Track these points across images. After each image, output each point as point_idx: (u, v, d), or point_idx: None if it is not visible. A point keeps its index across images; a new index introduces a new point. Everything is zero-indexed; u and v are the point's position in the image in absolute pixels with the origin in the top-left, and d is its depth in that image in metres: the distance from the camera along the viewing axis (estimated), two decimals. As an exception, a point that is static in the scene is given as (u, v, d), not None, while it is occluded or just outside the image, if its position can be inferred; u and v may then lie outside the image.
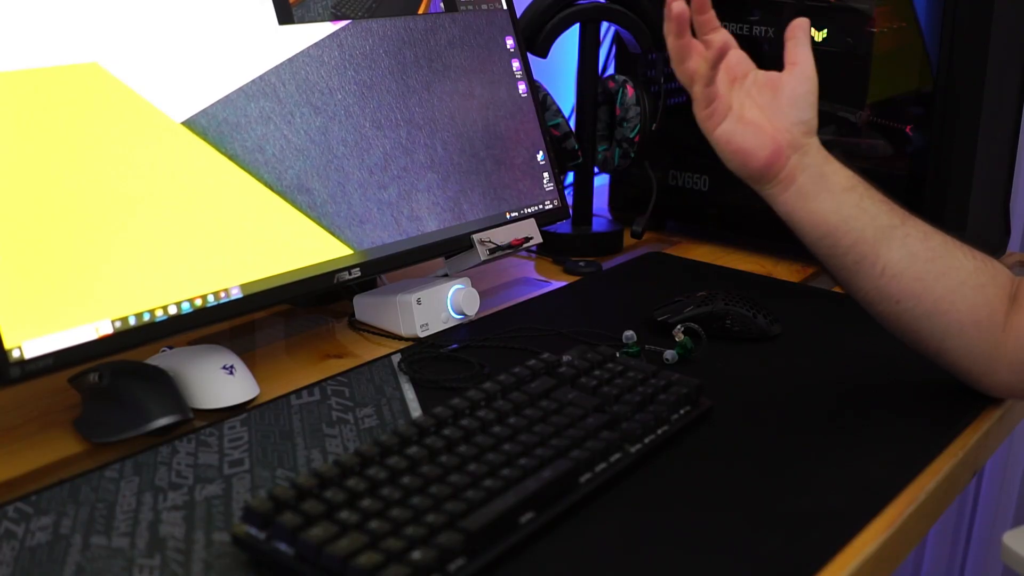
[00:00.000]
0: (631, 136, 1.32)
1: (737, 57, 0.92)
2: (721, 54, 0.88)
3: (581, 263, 1.27)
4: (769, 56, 1.32)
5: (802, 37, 0.91)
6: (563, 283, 1.23)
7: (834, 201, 0.88)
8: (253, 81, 0.93)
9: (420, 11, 1.09)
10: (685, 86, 0.91)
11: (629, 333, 1.01)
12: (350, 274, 0.98)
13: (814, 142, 0.90)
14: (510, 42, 1.18)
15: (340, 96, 1.00)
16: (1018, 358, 0.87)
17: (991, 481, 1.92)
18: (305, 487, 0.68)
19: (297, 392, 0.91)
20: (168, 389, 0.85)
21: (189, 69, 0.89)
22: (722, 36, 0.92)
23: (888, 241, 0.87)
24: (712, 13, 0.92)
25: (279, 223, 0.93)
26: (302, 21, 0.98)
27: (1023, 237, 1.75)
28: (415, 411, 0.88)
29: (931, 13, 1.20)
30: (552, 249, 1.30)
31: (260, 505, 0.66)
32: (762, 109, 0.90)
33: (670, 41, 0.90)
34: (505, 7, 1.18)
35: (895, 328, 0.90)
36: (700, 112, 0.90)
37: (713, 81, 0.88)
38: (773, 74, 0.91)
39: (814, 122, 0.91)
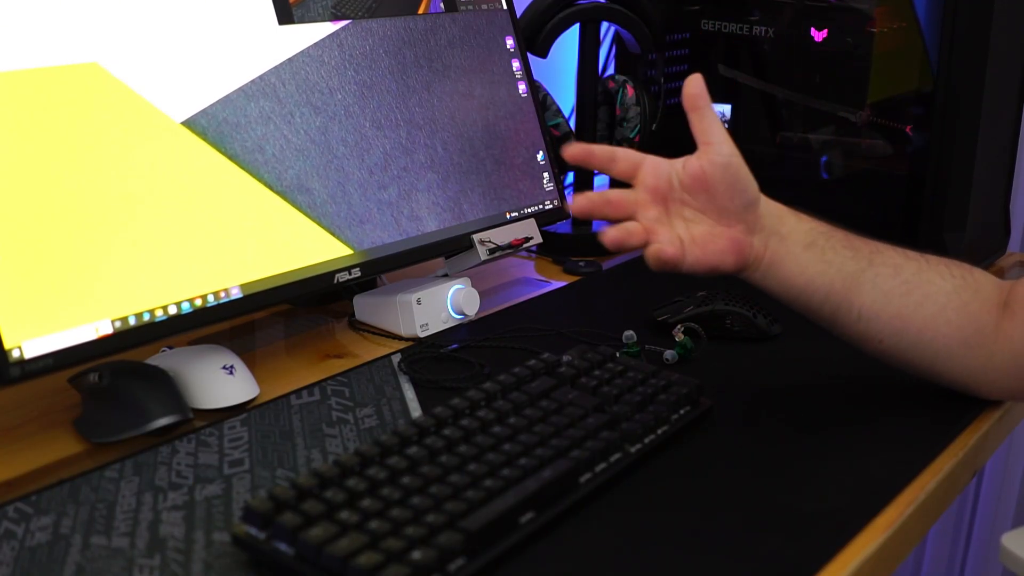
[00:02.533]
0: (631, 136, 1.32)
1: (650, 172, 0.87)
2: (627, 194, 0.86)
3: (581, 263, 1.27)
4: (769, 56, 1.33)
5: (703, 106, 0.85)
6: (563, 283, 1.23)
7: (797, 263, 0.86)
8: (253, 81, 0.93)
9: (420, 11, 1.09)
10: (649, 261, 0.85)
11: (629, 333, 1.01)
12: (350, 274, 0.98)
13: (763, 208, 0.86)
14: (510, 42, 1.18)
15: (340, 96, 1.00)
16: (1015, 363, 0.86)
17: (991, 481, 1.92)
18: (305, 487, 0.68)
19: (297, 392, 0.91)
20: (168, 389, 0.85)
21: (189, 69, 0.89)
22: (623, 164, 0.87)
23: (858, 287, 0.86)
24: (597, 152, 0.88)
25: (279, 223, 0.93)
26: (302, 21, 0.98)
27: (1023, 237, 1.75)
28: (415, 411, 0.88)
29: (931, 13, 1.20)
30: (552, 249, 1.30)
31: (260, 505, 0.66)
32: (705, 213, 0.86)
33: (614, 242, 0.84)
34: (505, 7, 1.18)
35: (886, 362, 0.90)
36: (664, 267, 0.84)
37: (655, 225, 0.84)
38: (695, 171, 0.85)
39: (756, 191, 0.86)
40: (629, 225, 0.84)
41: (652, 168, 0.87)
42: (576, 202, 0.85)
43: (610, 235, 0.84)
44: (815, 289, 0.86)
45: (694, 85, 0.85)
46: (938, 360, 0.87)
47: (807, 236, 0.87)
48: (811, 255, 0.86)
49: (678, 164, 0.87)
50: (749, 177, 0.86)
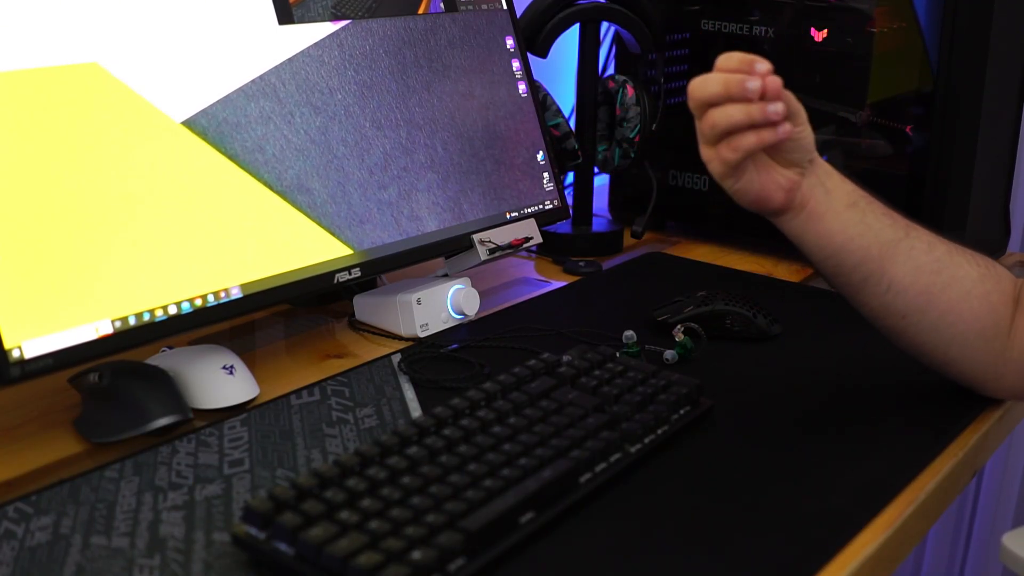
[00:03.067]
0: (631, 136, 1.32)
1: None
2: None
3: (581, 263, 1.27)
4: (769, 56, 1.32)
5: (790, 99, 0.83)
6: (563, 283, 1.23)
7: (838, 220, 0.86)
8: (253, 81, 0.93)
9: (420, 11, 1.09)
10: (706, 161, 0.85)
11: (629, 333, 1.01)
12: (350, 274, 0.98)
13: (816, 159, 0.87)
14: (510, 42, 1.18)
15: (340, 96, 1.00)
16: (1022, 365, 0.87)
17: (991, 481, 1.92)
18: (305, 487, 0.68)
19: (297, 392, 0.91)
20: (168, 389, 0.85)
21: (189, 69, 0.89)
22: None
23: (893, 256, 0.86)
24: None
25: (279, 223, 0.93)
26: (302, 21, 0.98)
27: (1023, 237, 1.75)
28: (415, 411, 0.88)
29: (931, 13, 1.20)
30: (552, 249, 1.30)
31: (260, 505, 0.66)
32: (770, 152, 0.85)
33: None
34: (505, 7, 1.18)
35: (901, 341, 0.89)
36: (721, 177, 0.85)
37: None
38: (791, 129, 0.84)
39: (811, 139, 0.86)
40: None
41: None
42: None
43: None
44: (852, 250, 0.85)
45: (778, 85, 0.82)
46: (953, 346, 0.87)
47: (850, 196, 0.86)
48: (852, 215, 0.86)
49: None
50: (810, 135, 0.85)
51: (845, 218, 0.86)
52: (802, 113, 0.85)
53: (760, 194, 0.85)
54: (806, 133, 0.84)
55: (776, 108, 0.80)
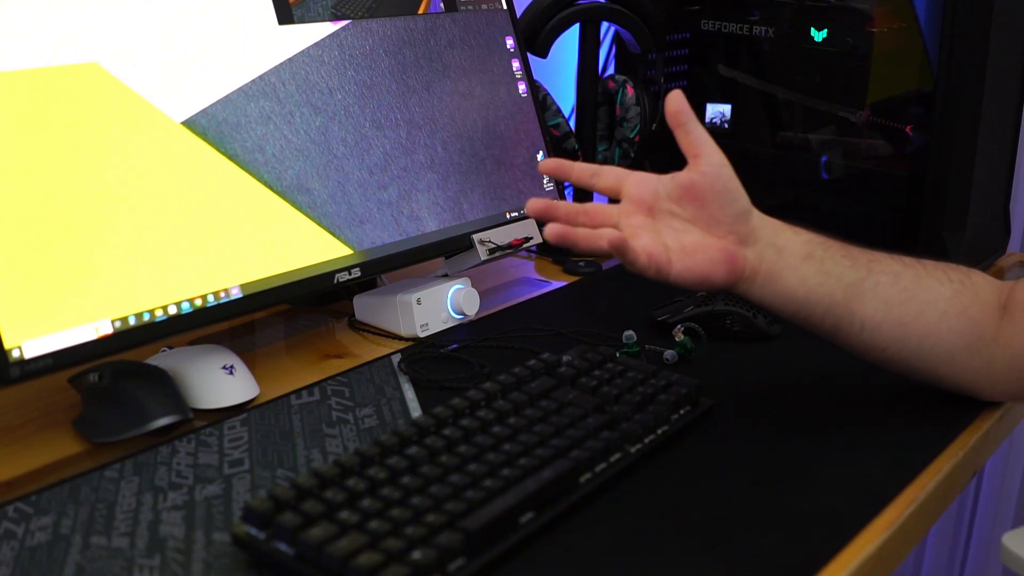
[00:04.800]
0: (631, 136, 1.32)
1: (634, 185, 0.85)
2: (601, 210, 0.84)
3: (581, 263, 1.27)
4: (769, 56, 1.33)
5: (687, 121, 0.83)
6: (563, 283, 1.23)
7: (796, 275, 0.84)
8: (253, 81, 0.93)
9: (420, 11, 1.09)
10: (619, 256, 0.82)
11: (629, 333, 1.01)
12: (350, 274, 0.98)
13: (757, 222, 0.85)
14: (510, 42, 1.18)
15: (340, 96, 1.00)
16: (1015, 366, 0.86)
17: (991, 481, 1.92)
18: (305, 487, 0.68)
19: (297, 392, 0.91)
20: (168, 389, 0.85)
21: (189, 69, 0.89)
22: (606, 179, 0.86)
23: (860, 297, 0.85)
24: (577, 169, 0.87)
25: (279, 223, 0.93)
26: (302, 21, 0.98)
27: (1023, 237, 1.75)
28: (415, 411, 0.88)
29: (931, 13, 1.20)
30: (552, 249, 1.30)
31: (260, 505, 0.66)
32: (694, 223, 0.84)
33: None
34: (505, 7, 1.18)
35: (890, 369, 0.89)
36: (647, 272, 0.81)
37: (628, 236, 0.82)
38: (686, 180, 0.84)
39: (747, 203, 0.84)
40: (603, 229, 0.82)
41: (638, 180, 0.86)
42: (549, 230, 0.81)
43: (555, 231, 0.81)
44: (817, 301, 0.85)
45: (675, 102, 0.83)
46: (941, 365, 0.87)
47: (804, 248, 0.85)
48: (810, 266, 0.85)
49: (665, 177, 0.85)
50: (739, 187, 0.84)
51: (803, 271, 0.84)
52: (704, 157, 0.83)
53: (701, 274, 0.83)
54: (721, 186, 0.83)
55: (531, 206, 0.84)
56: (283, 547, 0.65)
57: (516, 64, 1.18)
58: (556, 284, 1.23)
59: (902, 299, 0.85)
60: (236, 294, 0.89)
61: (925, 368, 0.88)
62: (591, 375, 0.86)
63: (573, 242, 0.82)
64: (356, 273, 0.98)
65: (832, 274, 0.85)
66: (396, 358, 0.98)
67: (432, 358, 0.99)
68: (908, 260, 0.88)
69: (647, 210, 0.85)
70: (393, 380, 0.94)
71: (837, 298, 0.85)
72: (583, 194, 1.36)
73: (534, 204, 0.85)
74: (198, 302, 0.87)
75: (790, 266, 0.84)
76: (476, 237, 1.08)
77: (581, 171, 0.88)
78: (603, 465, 0.76)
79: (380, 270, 1.01)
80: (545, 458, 0.73)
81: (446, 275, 1.10)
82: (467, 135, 1.11)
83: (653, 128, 1.33)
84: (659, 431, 0.82)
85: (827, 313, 0.85)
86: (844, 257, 0.86)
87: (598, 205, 0.86)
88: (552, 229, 0.82)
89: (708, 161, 0.83)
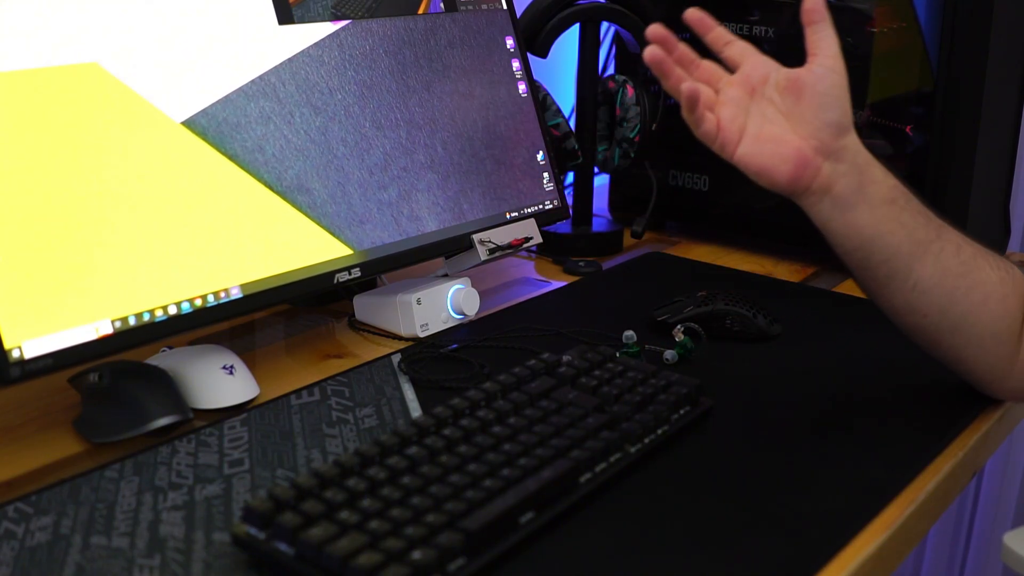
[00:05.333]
0: (631, 136, 1.32)
1: (753, 64, 0.85)
2: (710, 77, 0.84)
3: (581, 263, 1.27)
4: (769, 56, 1.32)
5: (819, 20, 0.83)
6: (563, 283, 1.23)
7: (872, 214, 0.83)
8: (253, 81, 0.93)
9: (420, 11, 1.09)
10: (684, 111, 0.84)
11: (629, 333, 1.01)
12: (350, 274, 0.98)
13: (851, 144, 0.84)
14: (510, 42, 1.18)
15: (340, 96, 1.00)
16: None
17: (991, 481, 1.92)
18: (305, 487, 0.68)
19: (297, 392, 0.91)
20: (168, 389, 0.85)
21: (189, 69, 0.89)
22: (736, 49, 0.86)
23: (923, 256, 0.84)
24: (719, 30, 0.87)
25: (279, 223, 0.93)
26: (302, 21, 0.98)
27: (1023, 237, 1.75)
28: (415, 411, 0.88)
29: (931, 13, 1.20)
30: (552, 249, 1.30)
31: (260, 505, 0.66)
32: (787, 116, 0.83)
33: (652, 65, 0.83)
34: (505, 7, 1.18)
35: (917, 338, 0.89)
36: (711, 142, 0.83)
37: (716, 104, 0.83)
38: (795, 73, 0.84)
39: (846, 119, 0.83)
40: (700, 85, 0.82)
41: (758, 61, 0.86)
42: (650, 52, 0.81)
43: (654, 54, 0.82)
44: (883, 246, 0.84)
45: (816, 3, 0.83)
46: (969, 347, 0.87)
47: (891, 192, 0.84)
48: (889, 211, 0.84)
49: (782, 68, 0.85)
50: (843, 100, 0.83)
51: (879, 213, 0.84)
52: (820, 65, 0.83)
53: (763, 165, 0.83)
54: (823, 89, 0.83)
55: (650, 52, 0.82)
56: (283, 547, 0.65)
57: (516, 64, 1.18)
58: (556, 284, 1.23)
59: (959, 271, 0.85)
60: (236, 294, 0.89)
61: (953, 345, 0.88)
62: (591, 375, 0.86)
63: (665, 72, 0.83)
64: (356, 273, 0.98)
65: (907, 225, 0.84)
66: (396, 358, 0.98)
67: (432, 358, 0.99)
68: (968, 236, 0.88)
69: (750, 89, 0.84)
70: (393, 380, 0.94)
71: (903, 250, 0.84)
72: (584, 195, 1.37)
73: (656, 29, 0.84)
74: (198, 302, 0.87)
75: (869, 202, 0.83)
76: (476, 237, 1.08)
77: (716, 35, 0.87)
78: (603, 465, 0.76)
79: (380, 270, 1.01)
80: (545, 458, 0.73)
81: (446, 275, 1.10)
82: (467, 135, 1.11)
83: (653, 128, 1.33)
84: (659, 431, 0.82)
85: (887, 261, 0.85)
86: (920, 214, 0.85)
87: (709, 63, 0.85)
88: (652, 52, 0.82)
89: (821, 62, 0.83)
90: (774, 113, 0.84)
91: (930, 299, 0.86)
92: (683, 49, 0.85)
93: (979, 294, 0.86)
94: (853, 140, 0.84)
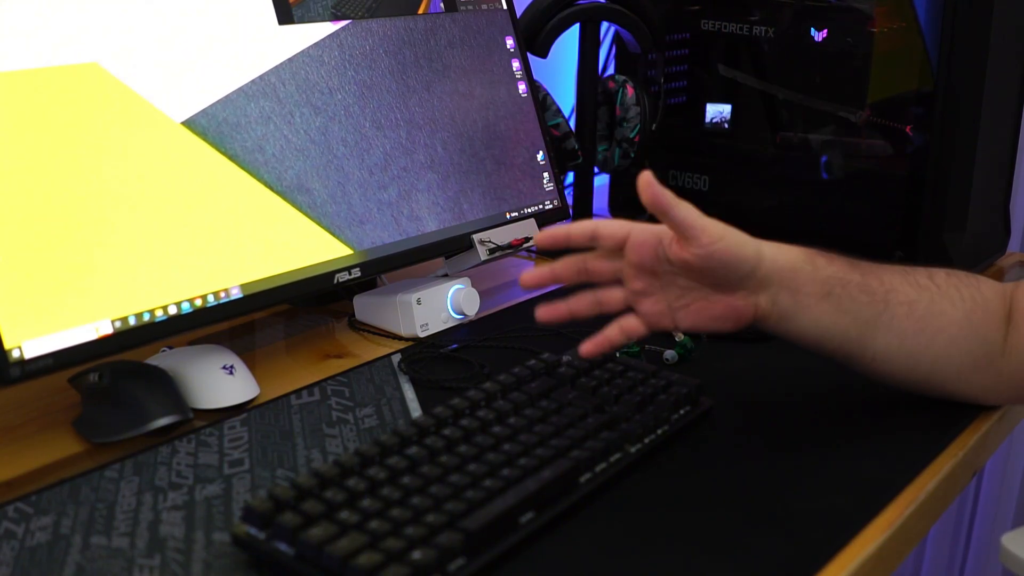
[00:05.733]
0: (631, 136, 1.32)
1: (637, 252, 0.81)
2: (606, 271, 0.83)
3: (581, 263, 1.27)
4: (769, 56, 1.33)
5: (668, 203, 0.77)
6: (563, 283, 1.22)
7: (810, 316, 0.83)
8: (253, 81, 0.93)
9: (420, 11, 1.09)
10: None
11: (629, 333, 1.00)
12: (350, 274, 0.98)
13: (767, 268, 0.81)
14: (510, 42, 1.18)
15: (340, 96, 1.00)
16: (1020, 377, 0.87)
17: (991, 481, 1.92)
18: (305, 487, 0.68)
19: (297, 392, 0.91)
20: (168, 389, 0.85)
21: (189, 69, 0.89)
22: (607, 240, 0.82)
23: (873, 333, 0.84)
24: (575, 236, 0.83)
25: (279, 223, 0.93)
26: (302, 21, 0.98)
27: (1023, 237, 1.75)
28: (415, 411, 0.88)
29: (931, 13, 1.19)
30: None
31: (260, 505, 0.66)
32: (700, 285, 0.81)
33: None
34: (505, 7, 1.18)
35: (900, 388, 0.90)
36: (652, 330, 0.82)
37: (631, 302, 0.82)
38: (681, 260, 0.79)
39: (754, 254, 0.81)
40: (608, 327, 0.82)
41: (638, 244, 0.81)
42: (541, 311, 0.82)
43: (546, 312, 0.82)
44: (830, 339, 0.85)
45: (647, 190, 0.76)
46: (948, 383, 0.88)
47: (824, 287, 0.83)
48: (827, 306, 0.83)
49: (666, 239, 0.80)
50: (741, 248, 0.80)
51: (818, 312, 0.83)
52: (697, 233, 0.78)
53: (706, 329, 0.83)
54: (718, 259, 0.79)
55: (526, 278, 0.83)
56: (283, 547, 0.65)
57: (516, 64, 1.18)
58: (556, 284, 1.22)
59: (915, 330, 0.85)
60: (236, 294, 0.89)
61: (933, 386, 0.89)
62: (591, 375, 0.86)
63: (571, 319, 0.83)
64: (356, 273, 0.98)
65: (849, 312, 0.84)
66: (396, 358, 0.98)
67: (432, 358, 0.99)
68: (923, 281, 0.86)
69: (650, 273, 0.82)
70: (393, 380, 0.94)
71: (851, 335, 0.85)
72: (584, 195, 1.37)
73: (542, 239, 0.85)
74: (198, 302, 0.87)
75: (805, 307, 0.83)
76: (476, 237, 1.08)
77: (579, 234, 0.83)
78: (603, 465, 0.76)
79: (380, 270, 1.01)
80: (545, 458, 0.73)
81: (446, 275, 1.10)
82: (467, 135, 1.11)
83: (653, 128, 1.33)
84: (659, 431, 0.82)
85: (840, 348, 0.85)
86: (862, 292, 0.84)
87: (600, 265, 0.83)
88: (544, 311, 0.83)
89: (700, 243, 0.78)
90: (687, 283, 0.82)
91: (894, 365, 0.86)
92: (576, 238, 0.83)
93: (943, 340, 0.85)
94: (768, 262, 0.81)
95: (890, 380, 0.89)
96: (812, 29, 1.27)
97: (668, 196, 0.77)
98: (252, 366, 0.93)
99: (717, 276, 0.80)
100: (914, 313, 0.85)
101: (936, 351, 0.86)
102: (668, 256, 0.80)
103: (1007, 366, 0.87)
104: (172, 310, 0.85)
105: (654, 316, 0.82)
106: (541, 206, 1.17)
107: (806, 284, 0.83)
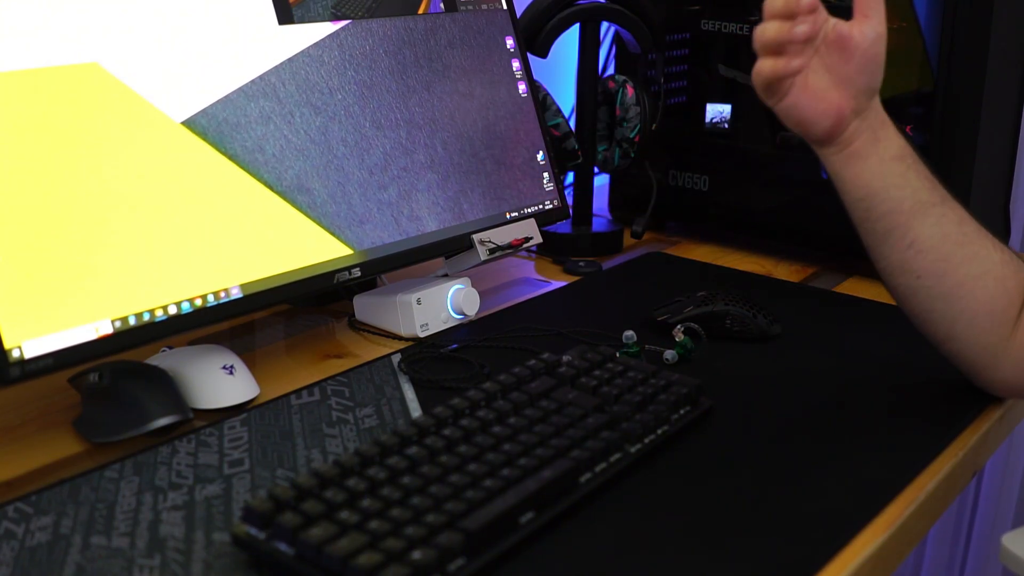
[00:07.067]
0: (631, 136, 1.32)
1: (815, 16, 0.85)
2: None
3: (581, 263, 1.27)
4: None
5: None
6: (563, 283, 1.23)
7: (881, 167, 0.86)
8: (253, 81, 0.93)
9: (420, 11, 1.09)
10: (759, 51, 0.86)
11: (629, 333, 1.01)
12: (350, 274, 0.98)
13: (875, 102, 0.87)
14: (510, 42, 1.18)
15: (340, 96, 1.00)
16: (1022, 359, 0.87)
17: (991, 481, 1.92)
18: (305, 487, 0.68)
19: (297, 392, 0.91)
20: (168, 389, 0.85)
21: (189, 69, 0.89)
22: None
23: (923, 216, 0.86)
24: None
25: (279, 223, 0.93)
26: (302, 21, 0.98)
27: (1023, 237, 1.75)
28: (415, 411, 0.88)
29: (931, 13, 1.20)
30: (552, 249, 1.30)
31: (260, 505, 0.66)
32: (829, 71, 0.85)
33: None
34: (505, 7, 1.18)
35: (909, 305, 0.90)
36: (761, 89, 0.86)
37: (790, 54, 0.84)
38: (843, 30, 0.84)
39: (879, 84, 0.86)
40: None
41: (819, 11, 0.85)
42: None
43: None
44: (884, 199, 0.86)
45: None
46: (959, 322, 0.88)
47: (899, 150, 0.87)
48: (895, 167, 0.86)
49: (831, 19, 0.85)
50: (882, 68, 0.85)
51: (887, 167, 0.86)
52: (867, 31, 0.83)
53: (804, 116, 0.85)
54: (871, 54, 0.83)
55: (801, 29, 0.83)
56: (283, 547, 0.65)
57: (516, 64, 1.18)
58: (556, 284, 1.23)
59: (958, 240, 0.87)
60: (236, 294, 0.89)
61: (945, 317, 0.88)
62: (591, 375, 0.86)
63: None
64: (356, 273, 0.98)
65: (911, 184, 0.86)
66: (396, 358, 0.98)
67: (432, 358, 0.99)
68: (974, 220, 0.89)
69: (814, 33, 0.85)
70: (393, 380, 0.94)
71: (904, 207, 0.86)
72: (584, 195, 1.37)
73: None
74: (198, 302, 0.87)
75: (879, 156, 0.86)
76: (476, 237, 1.08)
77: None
78: (603, 465, 0.76)
79: (380, 270, 1.01)
80: (545, 458, 0.73)
81: (446, 275, 1.10)
82: (467, 135, 1.11)
83: (653, 128, 1.33)
84: (659, 431, 0.82)
85: (887, 215, 0.86)
86: (927, 179, 0.87)
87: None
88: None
89: (872, 26, 0.84)
90: (819, 65, 0.85)
91: (925, 261, 0.87)
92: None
93: (977, 267, 0.87)
94: (876, 100, 0.87)
95: (914, 282, 0.88)
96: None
97: None
98: (252, 366, 0.93)
99: (854, 69, 0.84)
100: (963, 226, 0.87)
101: (966, 274, 0.86)
102: (827, 30, 0.84)
103: (1015, 339, 0.87)
104: (172, 310, 0.85)
105: (788, 70, 0.84)
106: (541, 206, 1.17)
107: (889, 137, 0.87)
